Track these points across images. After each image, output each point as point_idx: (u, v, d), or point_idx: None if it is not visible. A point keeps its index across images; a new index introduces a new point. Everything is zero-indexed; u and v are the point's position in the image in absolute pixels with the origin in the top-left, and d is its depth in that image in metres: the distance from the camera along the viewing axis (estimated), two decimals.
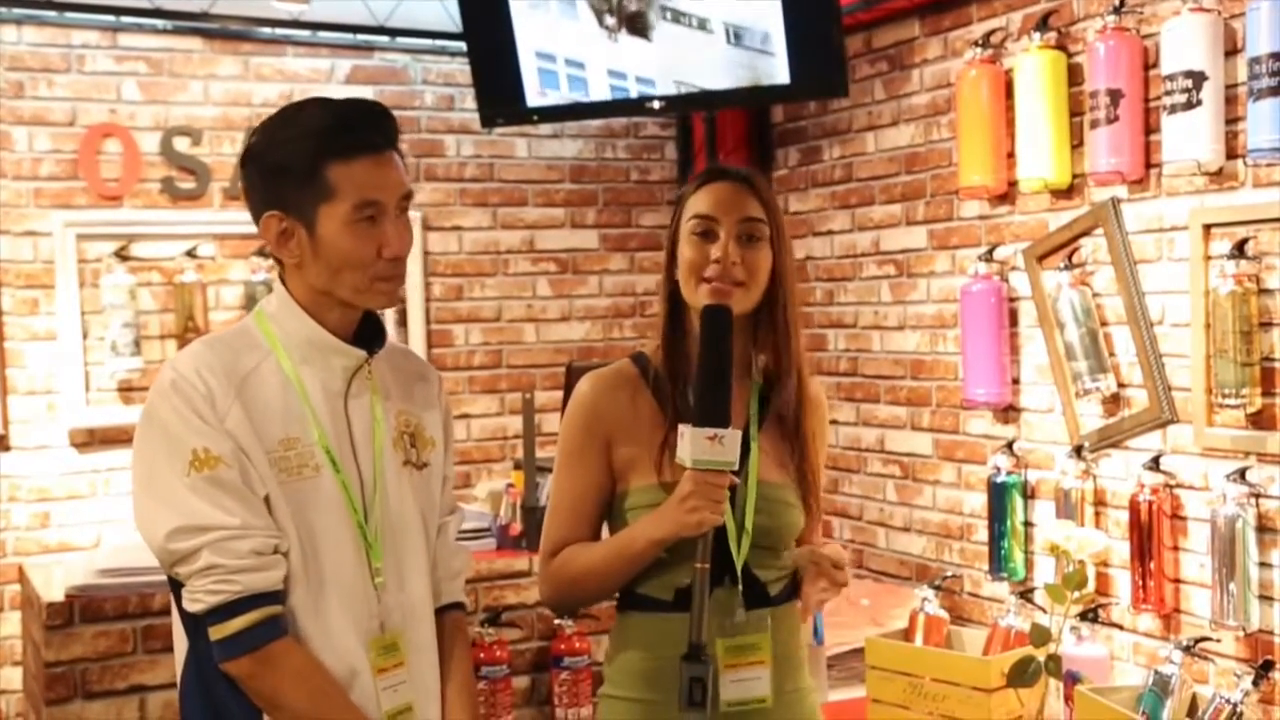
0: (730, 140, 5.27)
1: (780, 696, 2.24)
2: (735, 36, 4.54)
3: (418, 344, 5.12)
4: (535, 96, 4.82)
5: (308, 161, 2.03)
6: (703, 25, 4.57)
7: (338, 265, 2.06)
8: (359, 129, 2.07)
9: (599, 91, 4.76)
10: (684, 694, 2.06)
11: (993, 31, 4.13)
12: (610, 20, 4.67)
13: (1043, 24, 3.91)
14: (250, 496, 2.00)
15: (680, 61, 4.64)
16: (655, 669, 2.20)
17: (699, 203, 2.26)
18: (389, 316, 4.94)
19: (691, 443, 2.08)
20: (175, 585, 2.05)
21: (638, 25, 4.64)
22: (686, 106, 4.99)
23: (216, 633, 1.99)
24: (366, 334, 2.17)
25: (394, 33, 5.08)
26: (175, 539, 1.97)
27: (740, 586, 2.20)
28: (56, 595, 3.30)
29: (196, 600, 1.99)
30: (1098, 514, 3.81)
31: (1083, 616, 3.67)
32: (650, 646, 2.23)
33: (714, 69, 4.60)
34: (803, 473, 2.29)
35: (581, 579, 2.27)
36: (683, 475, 2.11)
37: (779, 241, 2.27)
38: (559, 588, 2.31)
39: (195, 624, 2.03)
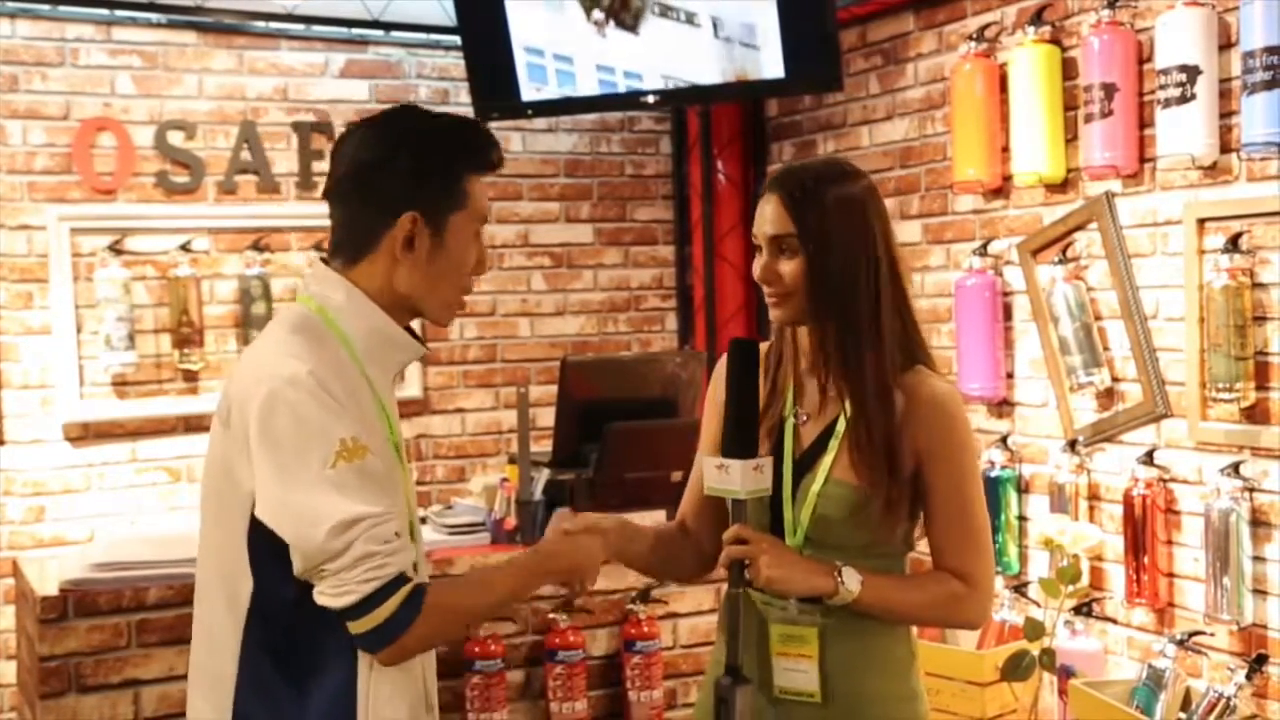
0: (725, 134, 5.27)
1: (837, 698, 2.22)
2: (723, 30, 4.54)
3: None
4: (530, 91, 4.82)
5: (453, 169, 2.10)
6: (690, 19, 4.57)
7: (445, 273, 2.13)
8: (490, 147, 2.16)
9: (587, 87, 4.76)
10: (716, 712, 2.16)
11: (987, 25, 4.14)
12: (598, 15, 4.67)
13: (1037, 18, 3.91)
14: (389, 484, 2.03)
15: (668, 56, 4.64)
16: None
17: (755, 220, 2.30)
18: None
19: (704, 469, 2.19)
20: (263, 581, 2.02)
21: (626, 19, 4.64)
22: (681, 100, 4.99)
23: (367, 623, 1.97)
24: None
25: (388, 26, 5.07)
26: (333, 537, 1.94)
27: None
28: (50, 589, 3.29)
29: (348, 593, 1.96)
30: (1092, 508, 3.82)
31: (1077, 611, 3.67)
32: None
33: (701, 63, 4.61)
34: (878, 476, 2.19)
35: None
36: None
37: (816, 248, 2.21)
38: None
39: (262, 618, 2.02)
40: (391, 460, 2.09)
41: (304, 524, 1.96)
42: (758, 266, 2.27)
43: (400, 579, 1.98)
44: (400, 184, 2.08)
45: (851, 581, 2.17)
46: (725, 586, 2.20)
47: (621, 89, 4.73)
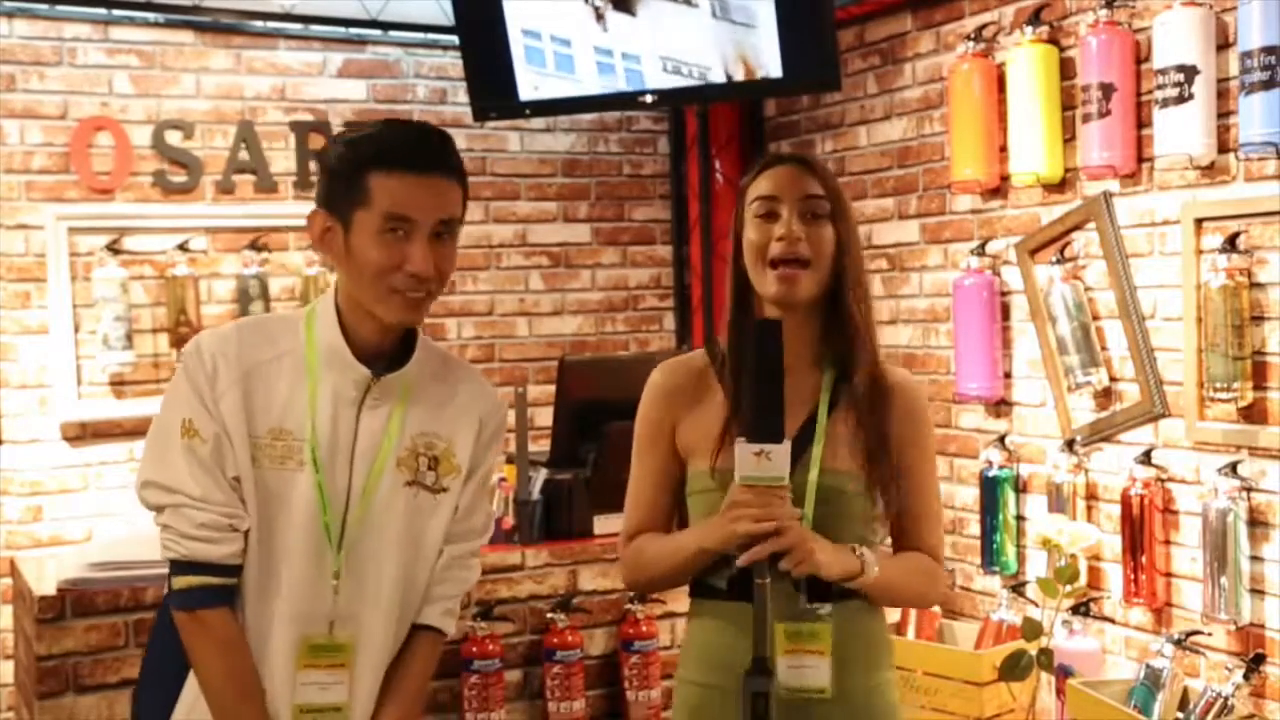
0: (723, 134, 5.28)
1: (843, 691, 2.19)
2: (720, 10, 4.54)
3: None
4: (528, 90, 4.82)
5: (351, 166, 2.12)
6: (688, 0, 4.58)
7: (360, 271, 2.13)
8: (403, 146, 2.13)
9: (585, 69, 4.75)
10: (747, 710, 2.04)
11: (985, 25, 4.14)
12: None
13: (1035, 18, 3.91)
14: (217, 473, 2.13)
15: (667, 37, 4.64)
16: (716, 655, 2.20)
17: (760, 186, 2.26)
18: None
19: (739, 459, 2.08)
20: None
21: (624, 1, 4.64)
22: (679, 100, 4.98)
23: (173, 582, 2.18)
24: (399, 353, 2.21)
25: (386, 26, 5.07)
26: (146, 490, 2.16)
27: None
28: (48, 589, 3.28)
29: (164, 547, 2.17)
30: (1089, 508, 3.82)
31: (1074, 610, 3.67)
32: (713, 632, 2.25)
33: (700, 44, 4.61)
34: (874, 463, 2.21)
35: (649, 569, 2.31)
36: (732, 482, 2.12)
37: (843, 221, 2.25)
38: (633, 574, 2.35)
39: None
40: (295, 460, 2.14)
41: (141, 467, 2.19)
42: (781, 227, 2.21)
43: (201, 567, 2.14)
44: (321, 184, 2.19)
45: (872, 560, 2.17)
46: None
47: (620, 71, 4.72)
